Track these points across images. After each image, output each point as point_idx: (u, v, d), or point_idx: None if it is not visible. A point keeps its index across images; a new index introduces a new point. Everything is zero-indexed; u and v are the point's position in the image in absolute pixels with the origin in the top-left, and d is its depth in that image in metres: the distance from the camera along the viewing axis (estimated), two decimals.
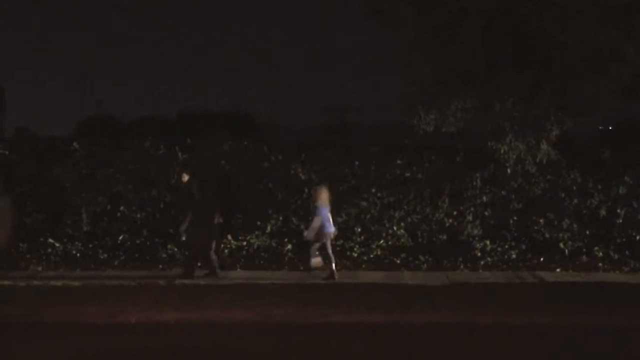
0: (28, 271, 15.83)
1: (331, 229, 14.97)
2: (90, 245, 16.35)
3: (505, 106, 15.89)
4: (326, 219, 14.82)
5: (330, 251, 14.86)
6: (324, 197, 14.90)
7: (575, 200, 16.67)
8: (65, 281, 14.53)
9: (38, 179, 16.84)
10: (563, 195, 16.70)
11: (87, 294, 13.28)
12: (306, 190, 16.60)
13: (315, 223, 14.68)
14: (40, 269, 16.05)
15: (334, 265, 14.82)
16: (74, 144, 17.12)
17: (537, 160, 16.40)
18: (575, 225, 16.57)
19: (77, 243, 16.46)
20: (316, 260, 14.95)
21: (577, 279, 15.10)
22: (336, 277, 14.72)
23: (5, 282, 14.46)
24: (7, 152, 17.25)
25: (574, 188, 16.72)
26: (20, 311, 11.54)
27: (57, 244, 16.47)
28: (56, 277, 14.87)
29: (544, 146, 16.27)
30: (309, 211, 16.61)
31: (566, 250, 16.39)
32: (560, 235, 16.50)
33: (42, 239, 16.49)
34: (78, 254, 16.36)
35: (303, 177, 16.76)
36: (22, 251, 16.40)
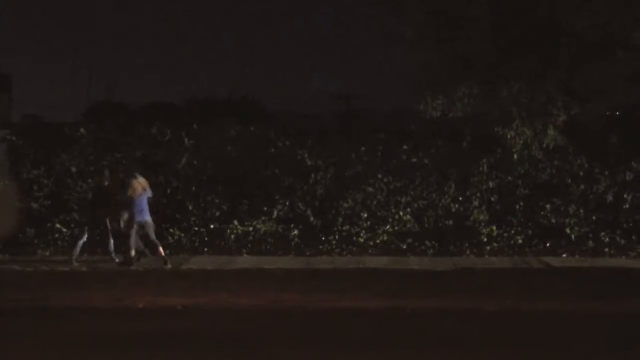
0: (35, 256, 15.93)
1: (145, 217, 14.57)
2: (97, 231, 16.37)
3: (512, 91, 15.82)
4: (140, 210, 14.52)
5: (153, 238, 14.63)
6: (138, 188, 14.55)
7: (582, 186, 16.65)
8: (72, 266, 14.61)
9: (45, 165, 16.88)
10: (569, 180, 16.68)
11: (94, 279, 13.35)
12: (313, 175, 16.61)
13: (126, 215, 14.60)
14: (47, 253, 16.15)
15: (161, 249, 14.61)
16: (81, 129, 17.14)
17: (544, 145, 16.35)
18: (581, 211, 16.56)
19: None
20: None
21: (584, 265, 15.12)
22: (168, 264, 14.50)
23: (13, 267, 14.56)
24: (14, 138, 17.27)
25: (581, 173, 16.70)
26: (28, 296, 11.59)
27: (64, 229, 16.53)
28: (63, 262, 14.95)
29: (550, 132, 16.21)
30: (316, 196, 16.64)
31: (572, 236, 16.41)
32: (567, 220, 16.51)
33: (49, 224, 16.55)
34: None
35: (309, 163, 16.76)
36: (30, 236, 16.48)
